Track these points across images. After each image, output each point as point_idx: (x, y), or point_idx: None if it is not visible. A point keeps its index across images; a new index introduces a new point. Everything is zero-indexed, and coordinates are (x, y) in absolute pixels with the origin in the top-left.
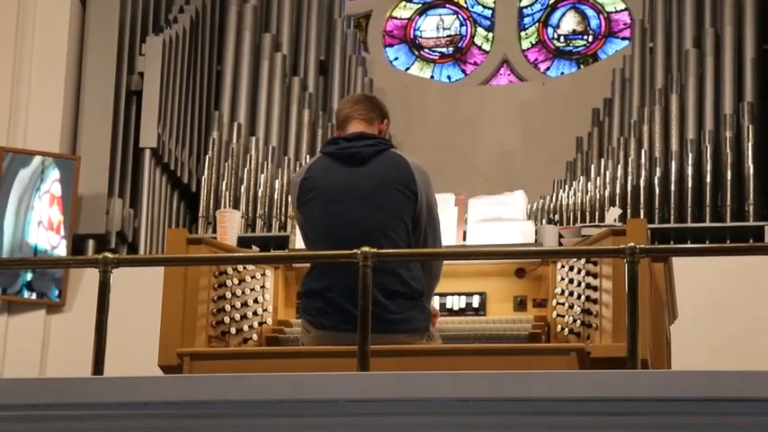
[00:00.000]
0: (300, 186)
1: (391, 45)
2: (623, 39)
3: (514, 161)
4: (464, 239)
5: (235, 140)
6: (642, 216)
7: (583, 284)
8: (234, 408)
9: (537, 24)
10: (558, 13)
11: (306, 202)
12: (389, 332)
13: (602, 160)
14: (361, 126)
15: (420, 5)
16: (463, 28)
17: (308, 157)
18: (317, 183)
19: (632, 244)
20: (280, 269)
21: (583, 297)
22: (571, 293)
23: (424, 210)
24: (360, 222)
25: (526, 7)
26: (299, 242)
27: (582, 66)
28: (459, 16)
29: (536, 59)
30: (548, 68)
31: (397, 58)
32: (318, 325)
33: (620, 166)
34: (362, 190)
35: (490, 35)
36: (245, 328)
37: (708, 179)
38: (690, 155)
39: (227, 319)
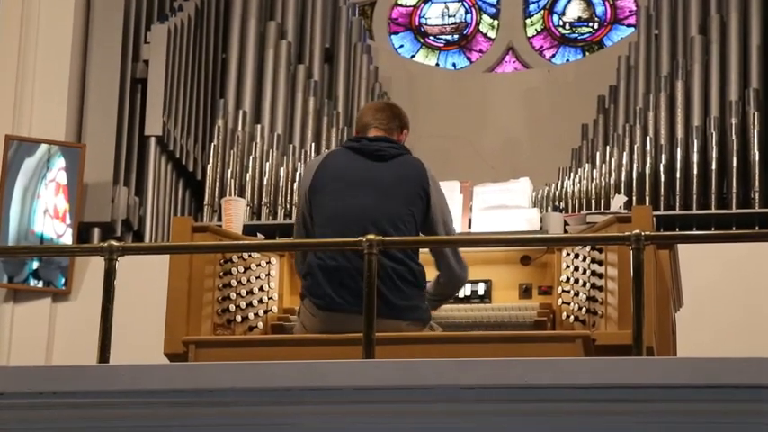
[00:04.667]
0: (317, 171)
1: (396, 32)
2: (629, 26)
3: (520, 149)
4: (469, 227)
5: (240, 128)
6: (647, 203)
7: (588, 272)
8: (239, 395)
9: (542, 11)
10: (563, 1)
11: (319, 186)
12: (396, 318)
13: (608, 147)
14: (381, 134)
15: None
16: (468, 15)
17: (313, 144)
18: (335, 168)
19: (637, 231)
20: (285, 257)
21: (588, 284)
22: (576, 281)
23: (438, 215)
24: (371, 209)
25: None
26: None
27: (587, 53)
28: (465, 4)
29: (541, 47)
30: (553, 56)
31: (402, 46)
32: (325, 307)
33: (625, 153)
34: (378, 181)
35: (495, 22)
36: (251, 315)
37: (713, 166)
38: (695, 142)
39: (232, 307)
